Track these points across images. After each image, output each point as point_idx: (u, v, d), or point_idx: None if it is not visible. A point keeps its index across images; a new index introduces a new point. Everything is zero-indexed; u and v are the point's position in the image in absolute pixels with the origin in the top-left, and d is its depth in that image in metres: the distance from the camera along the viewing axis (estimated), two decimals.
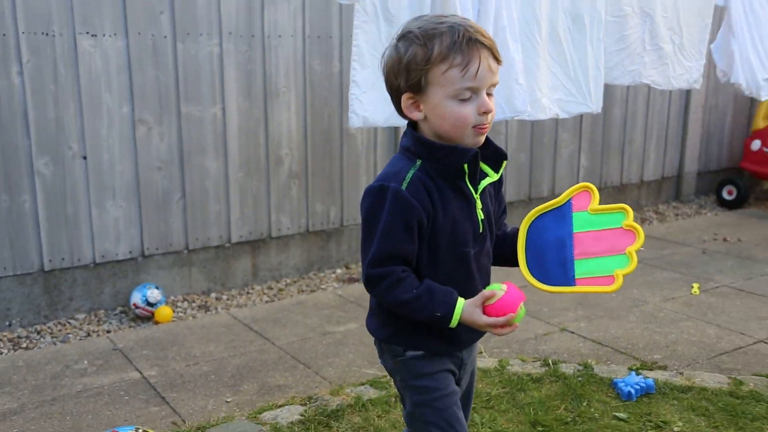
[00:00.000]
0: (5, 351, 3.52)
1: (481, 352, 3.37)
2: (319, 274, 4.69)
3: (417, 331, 1.70)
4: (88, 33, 3.74)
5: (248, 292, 4.37)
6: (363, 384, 3.07)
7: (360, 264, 4.80)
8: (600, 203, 1.69)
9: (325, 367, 3.30)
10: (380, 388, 3.02)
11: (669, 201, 6.73)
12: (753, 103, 6.92)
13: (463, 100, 1.57)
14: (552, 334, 3.63)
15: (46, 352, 3.48)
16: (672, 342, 3.54)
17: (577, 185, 1.72)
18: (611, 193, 6.21)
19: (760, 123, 6.54)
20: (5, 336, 3.67)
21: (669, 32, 3.79)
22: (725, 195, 6.54)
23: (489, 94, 1.61)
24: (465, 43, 1.55)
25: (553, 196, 5.76)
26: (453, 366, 1.78)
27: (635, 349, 3.46)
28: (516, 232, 1.77)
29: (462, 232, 1.67)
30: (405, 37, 1.61)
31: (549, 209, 1.73)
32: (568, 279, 1.70)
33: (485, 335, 1.78)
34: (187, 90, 4.06)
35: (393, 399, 2.92)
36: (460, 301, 1.60)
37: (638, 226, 1.66)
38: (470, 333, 1.70)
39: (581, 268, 1.68)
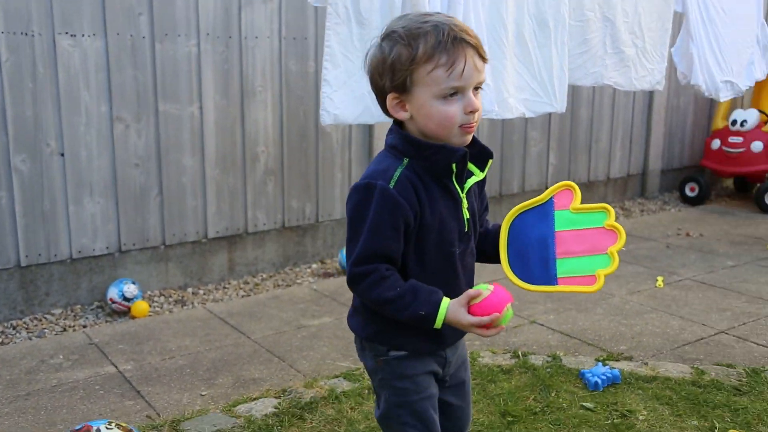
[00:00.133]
0: None
1: None
2: (295, 269, 4.61)
3: (400, 331, 1.62)
4: (67, 33, 3.65)
5: (225, 287, 4.28)
6: (337, 376, 3.01)
7: (334, 259, 4.75)
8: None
9: (300, 360, 3.23)
10: (353, 381, 2.96)
11: (634, 198, 6.74)
12: (713, 103, 6.95)
13: (450, 100, 1.50)
14: (522, 327, 3.59)
15: (21, 347, 3.38)
16: (637, 333, 3.52)
17: (559, 183, 1.66)
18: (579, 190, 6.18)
19: (719, 123, 6.57)
20: None
21: (630, 36, 3.79)
22: (688, 192, 6.55)
23: (475, 93, 1.54)
24: (450, 42, 1.47)
25: (523, 192, 5.75)
26: (436, 365, 1.71)
27: (602, 341, 3.43)
28: (497, 228, 1.70)
29: (448, 231, 1.60)
30: (389, 36, 1.53)
31: (531, 207, 1.66)
32: (550, 278, 1.63)
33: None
34: (165, 89, 3.97)
35: (366, 391, 2.86)
36: (445, 300, 1.52)
37: (620, 227, 1.60)
38: (454, 331, 1.63)
39: (563, 267, 1.62)
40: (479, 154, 1.64)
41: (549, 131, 5.87)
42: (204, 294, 4.16)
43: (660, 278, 4.34)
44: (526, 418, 2.66)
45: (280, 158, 4.46)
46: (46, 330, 3.60)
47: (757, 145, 6.11)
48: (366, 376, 3.00)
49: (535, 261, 1.64)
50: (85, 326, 3.67)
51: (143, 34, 3.86)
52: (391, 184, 1.52)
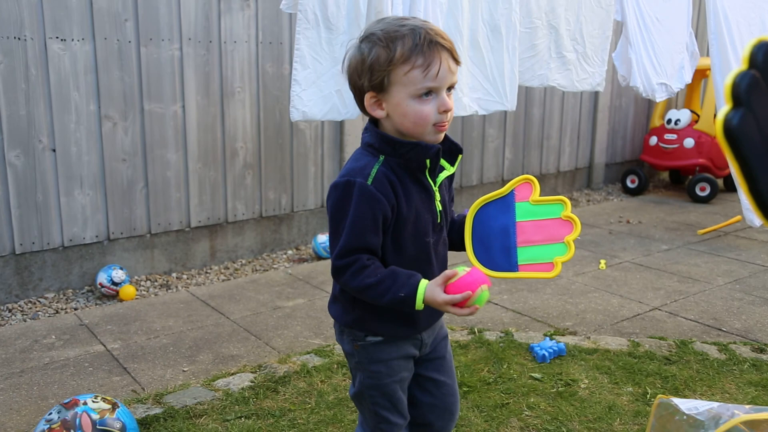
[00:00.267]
0: None
1: None
2: (272, 255, 4.58)
3: (378, 317, 1.60)
4: (57, 38, 3.57)
5: (206, 272, 4.24)
6: (308, 353, 3.00)
7: (308, 246, 4.73)
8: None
9: (275, 338, 3.21)
10: (324, 356, 2.95)
11: (582, 189, 6.79)
12: (650, 104, 7.02)
13: (424, 100, 1.47)
14: None
15: (16, 328, 3.32)
16: (582, 311, 3.55)
17: (519, 177, 1.64)
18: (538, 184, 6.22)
19: (656, 121, 6.64)
20: None
21: (572, 42, 3.82)
22: (629, 183, 6.62)
23: (449, 93, 1.51)
24: (426, 45, 1.45)
25: (482, 184, 5.77)
26: (413, 348, 1.68)
27: (550, 318, 3.46)
28: (463, 219, 1.68)
29: (423, 223, 1.57)
30: (368, 38, 1.50)
31: (493, 199, 1.65)
32: (511, 265, 1.62)
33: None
34: (149, 89, 3.91)
35: (335, 365, 2.85)
36: (423, 281, 1.48)
37: (576, 217, 1.60)
38: (429, 315, 1.60)
39: (524, 255, 1.61)
40: (450, 149, 1.61)
41: (505, 128, 5.89)
42: (187, 278, 4.12)
43: (602, 261, 4.38)
44: (480, 388, 2.67)
45: (258, 153, 4.42)
46: (39, 312, 3.54)
47: (689, 142, 6.19)
48: (336, 351, 3.00)
49: (498, 249, 1.63)
50: (76, 309, 3.61)
51: (129, 39, 3.80)
52: (369, 181, 1.48)
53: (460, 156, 1.63)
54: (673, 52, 4.11)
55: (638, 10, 3.89)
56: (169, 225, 4.13)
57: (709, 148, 6.14)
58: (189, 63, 4.03)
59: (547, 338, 3.10)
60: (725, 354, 2.99)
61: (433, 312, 1.59)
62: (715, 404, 1.99)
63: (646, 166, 6.84)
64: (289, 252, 4.65)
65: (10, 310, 3.55)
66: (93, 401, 2.12)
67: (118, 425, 2.09)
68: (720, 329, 3.32)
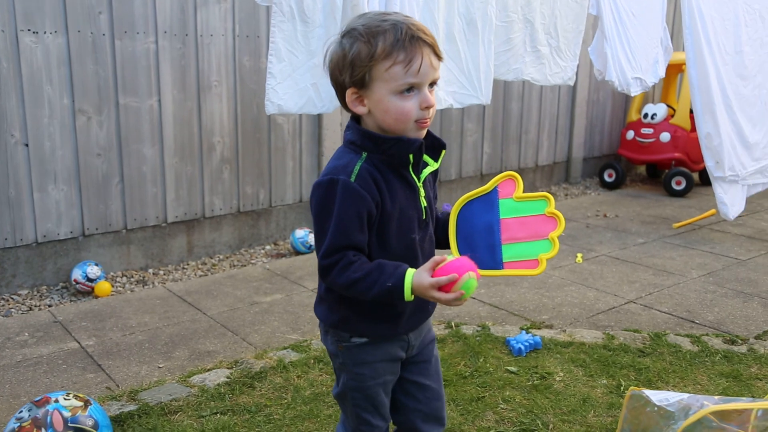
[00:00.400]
0: None
1: None
2: (250, 250, 4.56)
3: (363, 317, 1.58)
4: (29, 30, 3.51)
5: (183, 268, 4.20)
6: (285, 348, 2.99)
7: (286, 241, 4.71)
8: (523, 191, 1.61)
9: (252, 333, 3.19)
10: (301, 352, 2.94)
11: (560, 183, 6.83)
12: (628, 99, 7.08)
13: (406, 96, 1.45)
14: None
15: None
16: (558, 304, 3.57)
17: (502, 174, 1.63)
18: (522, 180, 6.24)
19: (633, 116, 6.69)
20: None
21: (546, 36, 3.82)
22: (606, 177, 6.67)
23: (431, 89, 1.49)
24: (408, 40, 1.42)
25: (461, 178, 5.78)
26: (399, 350, 1.65)
27: (526, 311, 3.47)
28: (447, 216, 1.66)
29: (408, 219, 1.55)
30: (349, 34, 1.47)
31: (477, 196, 1.63)
32: (496, 263, 1.61)
33: (433, 314, 1.68)
34: (125, 83, 3.87)
35: (312, 361, 2.85)
36: (410, 270, 1.45)
37: (560, 213, 1.59)
38: (414, 313, 1.60)
39: (508, 252, 1.60)
40: (432, 145, 1.59)
41: (483, 123, 5.90)
42: (164, 274, 4.08)
43: (579, 255, 4.41)
44: (457, 382, 2.68)
45: (235, 148, 4.39)
46: (12, 309, 3.49)
47: (665, 136, 6.24)
48: (312, 347, 2.99)
49: (482, 247, 1.61)
50: (50, 305, 3.57)
51: (103, 32, 3.75)
52: (352, 178, 1.46)
53: (443, 151, 1.62)
54: (648, 47, 4.14)
55: (614, 5, 3.90)
56: (146, 220, 4.09)
57: (684, 143, 6.20)
58: (165, 56, 3.99)
59: (524, 332, 3.11)
60: (698, 346, 3.02)
61: (419, 311, 1.58)
62: (686, 395, 2.01)
63: (623, 160, 6.89)
64: (267, 247, 4.62)
65: None
66: (65, 399, 2.10)
67: (90, 422, 2.07)
68: (693, 321, 3.35)
